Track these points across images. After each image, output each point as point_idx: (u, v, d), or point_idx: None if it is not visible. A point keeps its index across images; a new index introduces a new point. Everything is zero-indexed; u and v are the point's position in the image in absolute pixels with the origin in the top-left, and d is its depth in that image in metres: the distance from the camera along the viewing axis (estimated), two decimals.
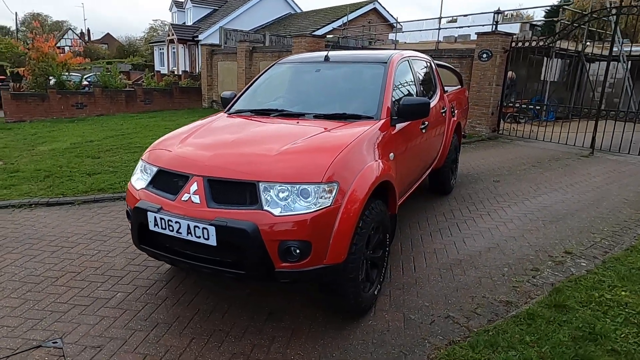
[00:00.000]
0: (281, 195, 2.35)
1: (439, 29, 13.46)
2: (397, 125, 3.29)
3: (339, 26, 20.48)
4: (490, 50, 9.00)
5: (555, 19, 13.66)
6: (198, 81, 16.96)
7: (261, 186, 2.35)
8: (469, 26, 14.16)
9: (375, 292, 2.93)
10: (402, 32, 17.77)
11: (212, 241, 2.33)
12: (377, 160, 2.83)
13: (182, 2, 30.18)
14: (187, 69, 24.23)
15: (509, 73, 11.20)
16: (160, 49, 31.36)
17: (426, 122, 3.94)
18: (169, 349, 2.54)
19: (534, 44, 8.83)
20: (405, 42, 16.93)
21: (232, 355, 2.48)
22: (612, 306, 2.82)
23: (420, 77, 4.23)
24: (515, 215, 4.78)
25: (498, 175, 6.48)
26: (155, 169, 2.74)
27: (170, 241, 2.55)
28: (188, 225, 2.38)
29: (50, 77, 12.92)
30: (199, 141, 2.89)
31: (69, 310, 2.93)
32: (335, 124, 3.04)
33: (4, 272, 3.45)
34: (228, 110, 3.78)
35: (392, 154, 3.08)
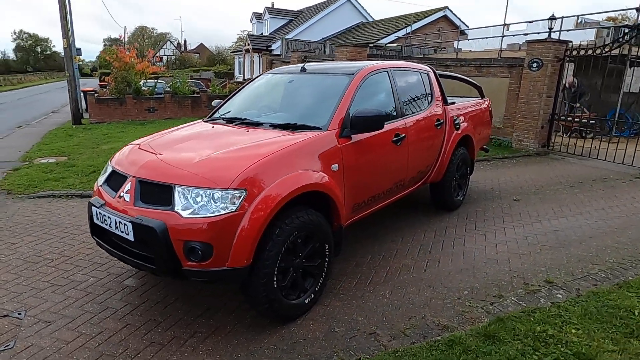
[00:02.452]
0: (198, 199, 2.52)
1: (502, 36, 12.72)
2: (353, 136, 3.30)
3: (403, 35, 20.20)
4: (540, 59, 8.32)
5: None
6: None
7: (176, 189, 2.54)
8: (538, 32, 13.18)
9: (307, 302, 2.95)
10: (468, 40, 17.01)
11: (131, 236, 2.58)
12: (312, 170, 2.88)
13: (261, 13, 31.90)
14: None
15: (570, 78, 10.22)
16: (239, 58, 33.37)
17: (402, 135, 3.85)
18: (102, 330, 2.82)
19: (590, 52, 7.97)
20: (470, 50, 16.20)
21: (151, 344, 2.69)
22: (549, 343, 2.54)
23: (404, 89, 4.13)
24: (514, 237, 4.43)
25: (522, 194, 5.99)
26: (110, 169, 3.07)
27: (110, 234, 2.84)
28: (115, 220, 2.65)
29: (130, 84, 14.43)
30: (150, 146, 3.17)
31: (46, 288, 3.36)
32: (281, 133, 3.14)
33: (16, 251, 4.04)
34: (210, 117, 4.05)
35: (335, 165, 3.09)
